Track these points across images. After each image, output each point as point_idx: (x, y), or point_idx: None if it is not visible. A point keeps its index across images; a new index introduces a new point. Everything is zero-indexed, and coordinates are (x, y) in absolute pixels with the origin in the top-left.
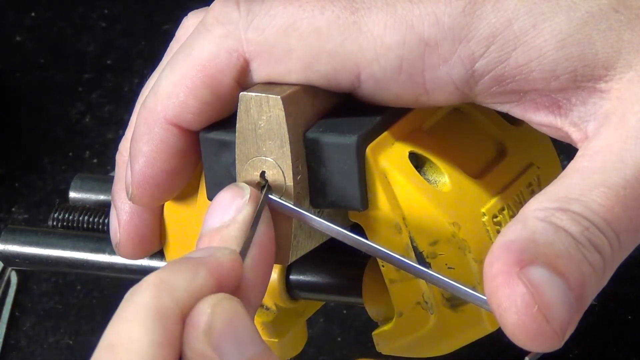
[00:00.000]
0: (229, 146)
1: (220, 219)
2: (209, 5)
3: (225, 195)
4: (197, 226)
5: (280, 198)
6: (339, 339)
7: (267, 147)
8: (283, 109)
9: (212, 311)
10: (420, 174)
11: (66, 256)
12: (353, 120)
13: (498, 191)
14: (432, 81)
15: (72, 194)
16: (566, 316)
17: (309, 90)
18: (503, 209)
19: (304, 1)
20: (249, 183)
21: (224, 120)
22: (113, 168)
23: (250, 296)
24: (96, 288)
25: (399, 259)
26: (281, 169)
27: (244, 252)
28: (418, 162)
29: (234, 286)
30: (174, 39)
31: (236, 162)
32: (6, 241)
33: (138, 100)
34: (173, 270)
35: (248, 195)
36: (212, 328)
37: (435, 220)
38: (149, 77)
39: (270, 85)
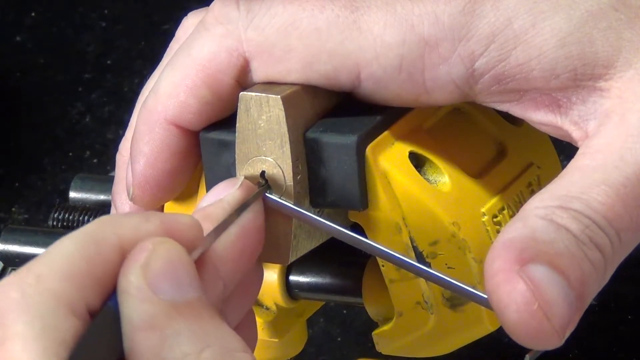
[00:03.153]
0: (229, 146)
1: (209, 202)
2: (209, 5)
3: (221, 184)
4: None
5: (280, 198)
6: (339, 339)
7: (267, 147)
8: (283, 109)
9: (154, 248)
10: (420, 173)
11: None
12: (353, 120)
13: (498, 191)
14: (432, 80)
15: (72, 194)
16: (566, 314)
17: (309, 90)
18: (503, 209)
19: (304, 0)
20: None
21: (224, 120)
22: (113, 168)
23: (219, 267)
24: None
25: (399, 258)
26: (281, 169)
27: (221, 228)
28: (418, 162)
29: (187, 244)
30: (174, 39)
31: (236, 161)
32: (6, 241)
33: (138, 101)
34: (127, 213)
35: (240, 183)
36: (150, 264)
37: (435, 220)
38: (149, 77)
39: (270, 85)
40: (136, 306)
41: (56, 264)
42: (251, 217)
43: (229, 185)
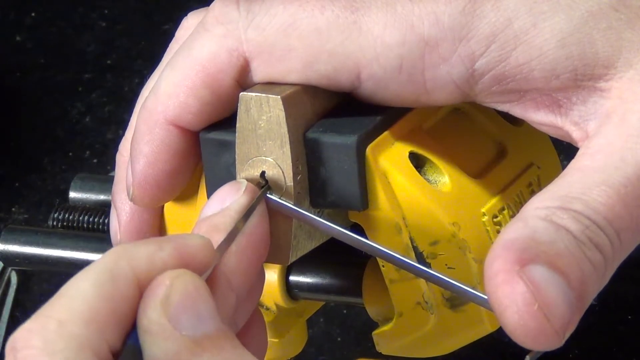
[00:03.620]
0: (229, 146)
1: (214, 209)
2: (209, 5)
3: (224, 188)
4: None
5: (280, 198)
6: (339, 339)
7: (267, 147)
8: (283, 109)
9: (171, 283)
10: (420, 174)
11: (66, 256)
12: (353, 120)
13: (498, 191)
14: (433, 80)
15: (72, 194)
16: (567, 315)
17: (309, 90)
18: (503, 209)
19: (304, 1)
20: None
21: (224, 120)
22: (113, 168)
23: (231, 280)
24: None
25: (399, 258)
26: (281, 169)
27: (230, 238)
28: (418, 162)
29: (201, 268)
30: (174, 39)
31: (236, 162)
32: (6, 241)
33: (138, 101)
34: (139, 242)
35: (244, 188)
36: (169, 299)
37: (435, 220)
38: (149, 77)
39: (270, 85)
40: (159, 344)
41: (76, 308)
42: (257, 223)
43: (232, 190)
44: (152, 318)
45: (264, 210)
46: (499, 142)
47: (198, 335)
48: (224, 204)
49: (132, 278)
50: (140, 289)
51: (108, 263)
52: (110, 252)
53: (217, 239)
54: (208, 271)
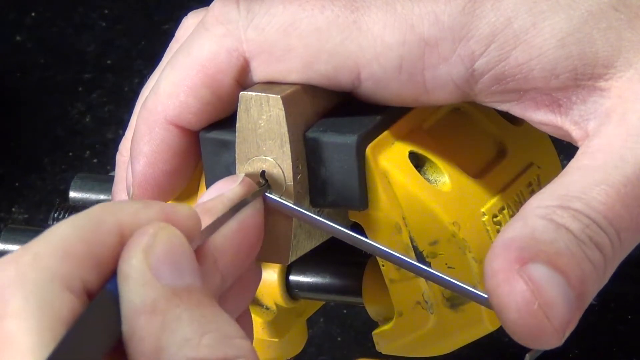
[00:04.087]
0: (229, 146)
1: (209, 197)
2: (209, 5)
3: (222, 181)
4: None
5: (280, 197)
6: (339, 339)
7: (267, 147)
8: (283, 109)
9: (155, 233)
10: (420, 173)
11: None
12: (353, 120)
13: (498, 191)
14: (432, 80)
15: (72, 194)
16: (566, 314)
17: (309, 90)
18: (503, 209)
19: (304, 0)
20: None
21: (224, 120)
22: (113, 168)
23: (218, 259)
24: None
25: (399, 258)
26: (281, 169)
27: (220, 221)
28: (418, 161)
29: (186, 233)
30: (174, 39)
31: (236, 161)
32: (6, 241)
33: (138, 101)
34: (125, 200)
35: (240, 179)
36: (152, 248)
37: (435, 220)
38: (149, 77)
39: (270, 85)
40: (138, 290)
41: (53, 244)
42: (250, 214)
43: (229, 181)
44: (133, 264)
45: (259, 205)
46: (499, 141)
47: (177, 287)
48: (218, 191)
49: (114, 226)
50: (123, 240)
51: (91, 212)
52: (97, 205)
53: (207, 221)
54: (193, 243)
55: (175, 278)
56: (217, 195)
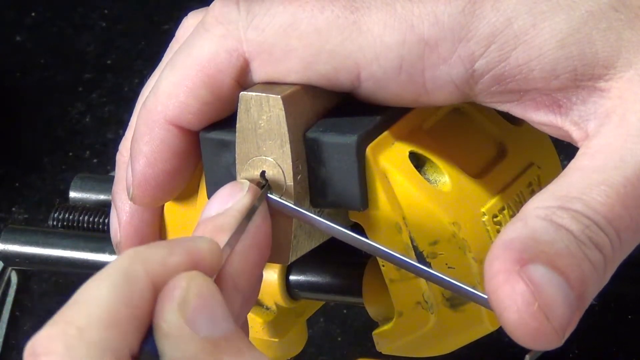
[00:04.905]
0: (229, 146)
1: (217, 209)
2: (209, 5)
3: (225, 189)
4: None
5: (280, 197)
6: (339, 339)
7: (267, 147)
8: (283, 109)
9: (187, 285)
10: (420, 173)
11: (66, 256)
12: (353, 120)
13: (498, 191)
14: (432, 81)
15: (72, 194)
16: (566, 314)
17: (309, 90)
18: (503, 209)
19: (304, 1)
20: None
21: (224, 120)
22: (113, 168)
23: (237, 281)
24: None
25: (399, 258)
26: (281, 169)
27: (235, 238)
28: (418, 162)
29: (211, 270)
30: (174, 39)
31: (236, 161)
32: (6, 241)
33: (138, 101)
34: (150, 246)
35: (247, 188)
36: (186, 302)
37: (435, 220)
38: (149, 77)
39: (270, 85)
40: (179, 347)
41: (95, 313)
42: (260, 223)
43: (234, 190)
44: (171, 321)
45: (266, 210)
46: (499, 142)
47: (215, 337)
48: (225, 204)
49: (147, 281)
50: (156, 293)
51: (123, 266)
52: (123, 256)
53: (222, 239)
54: (215, 274)
55: (212, 328)
56: (226, 209)
